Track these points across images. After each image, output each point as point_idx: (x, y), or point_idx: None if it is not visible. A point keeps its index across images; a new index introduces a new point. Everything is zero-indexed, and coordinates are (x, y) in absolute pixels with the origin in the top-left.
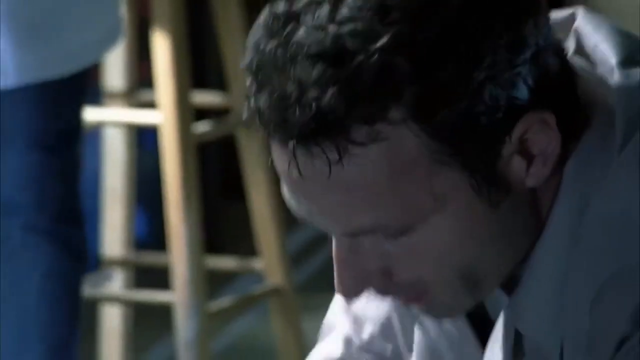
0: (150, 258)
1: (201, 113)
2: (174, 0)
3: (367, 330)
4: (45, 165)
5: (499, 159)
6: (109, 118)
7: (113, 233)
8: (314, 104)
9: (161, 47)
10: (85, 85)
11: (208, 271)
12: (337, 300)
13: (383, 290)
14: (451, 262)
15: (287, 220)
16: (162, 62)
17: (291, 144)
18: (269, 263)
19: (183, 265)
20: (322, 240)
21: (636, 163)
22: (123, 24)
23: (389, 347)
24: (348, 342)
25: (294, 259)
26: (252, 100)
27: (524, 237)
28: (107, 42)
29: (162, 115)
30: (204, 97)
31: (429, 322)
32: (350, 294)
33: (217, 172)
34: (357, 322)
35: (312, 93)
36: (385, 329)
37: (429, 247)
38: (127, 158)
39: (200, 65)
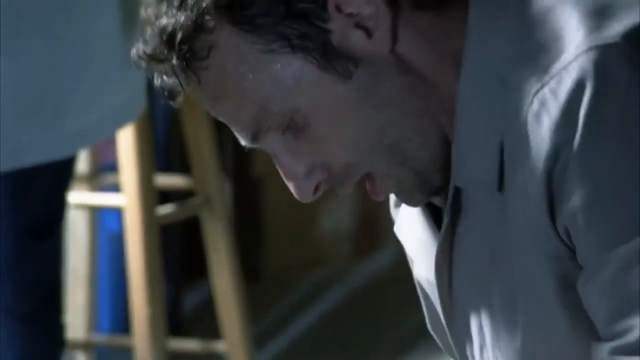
0: (113, 340)
1: (164, 195)
2: None
3: None
4: (30, 249)
5: (331, 34)
6: (73, 200)
7: (76, 315)
8: (164, 33)
9: (125, 131)
10: (74, 168)
11: (171, 353)
12: None
13: (332, 183)
14: (355, 138)
15: (250, 302)
16: (126, 144)
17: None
18: (232, 345)
19: (145, 347)
20: (286, 322)
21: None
22: (142, 95)
23: None
24: None
25: (258, 339)
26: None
27: (410, 100)
28: (121, 116)
29: (125, 197)
30: (168, 180)
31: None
32: (307, 196)
33: (179, 253)
34: None
35: (163, 23)
36: None
37: (325, 132)
38: (89, 240)
39: (163, 148)
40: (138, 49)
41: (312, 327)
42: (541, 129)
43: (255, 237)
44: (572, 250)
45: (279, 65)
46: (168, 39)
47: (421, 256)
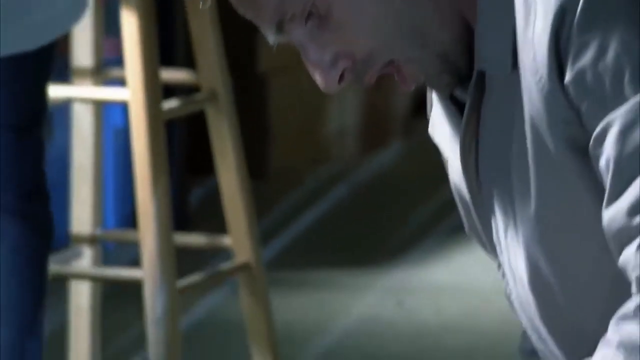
0: (119, 235)
1: (170, 91)
2: None
3: None
4: (14, 145)
5: None
6: (77, 95)
7: (82, 210)
8: None
9: (130, 24)
10: (51, 63)
11: (177, 248)
12: None
13: (356, 72)
14: (375, 23)
15: (256, 198)
16: (131, 38)
17: None
18: (237, 240)
19: (152, 241)
20: (291, 219)
21: None
22: None
23: None
24: None
25: (263, 235)
26: None
27: None
28: (73, 15)
29: (130, 91)
30: (173, 74)
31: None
32: (332, 85)
33: (185, 149)
34: None
35: None
36: None
37: (346, 19)
38: (95, 135)
39: (168, 43)
40: None
41: (317, 224)
42: None
43: (261, 133)
44: (579, 116)
45: None
46: None
47: (453, 152)
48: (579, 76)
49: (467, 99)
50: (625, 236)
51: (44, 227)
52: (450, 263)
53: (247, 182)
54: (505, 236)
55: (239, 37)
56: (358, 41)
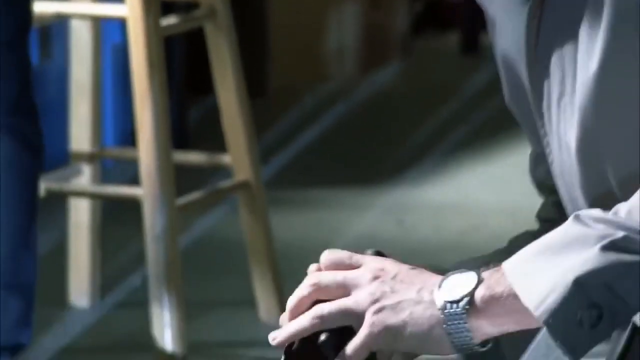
0: (118, 153)
1: (168, 6)
2: None
3: None
4: (1, 60)
5: None
6: (75, 11)
7: (81, 128)
8: None
9: None
10: None
11: (176, 167)
12: None
13: None
14: None
15: (255, 116)
16: None
17: None
18: (237, 158)
19: (151, 159)
20: (290, 137)
21: None
22: None
23: None
24: None
25: (263, 154)
26: None
27: None
28: None
29: (128, 7)
30: None
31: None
32: None
33: (184, 66)
34: None
35: None
36: None
37: None
38: (93, 52)
39: None
40: None
41: (317, 143)
42: None
43: (260, 51)
44: None
45: None
46: None
47: (507, 13)
48: None
49: None
50: None
51: (33, 143)
52: (450, 182)
53: (246, 100)
54: (559, 102)
55: None
56: None
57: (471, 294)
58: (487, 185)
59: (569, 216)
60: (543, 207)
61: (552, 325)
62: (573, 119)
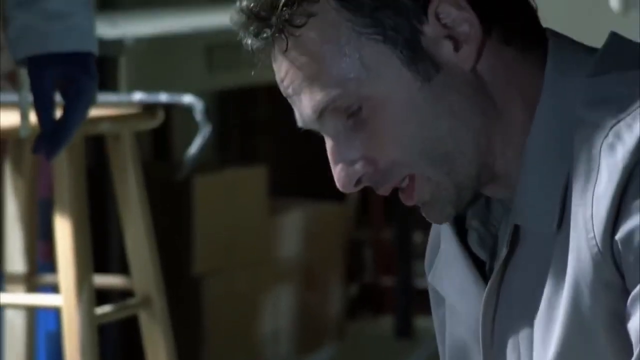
0: None
1: (103, 295)
2: (75, 182)
3: None
4: None
5: (422, 36)
6: (10, 301)
7: None
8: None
9: (63, 229)
10: None
11: None
12: None
13: (375, 180)
14: (412, 138)
15: None
16: (64, 243)
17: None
18: None
19: None
20: None
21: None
22: None
23: None
24: None
25: None
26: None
27: (476, 118)
28: None
29: (63, 297)
30: (106, 280)
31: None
32: (349, 184)
33: (118, 354)
34: None
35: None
36: None
37: (386, 127)
38: (27, 340)
39: (102, 250)
40: (242, 3)
41: None
42: (615, 157)
43: (194, 336)
44: (623, 280)
45: (367, 50)
46: None
47: (463, 299)
48: (630, 235)
49: (503, 249)
50: None
51: None
52: None
53: None
54: None
55: (173, 239)
56: (387, 149)
57: None
58: None
59: None
60: None
61: None
62: None
